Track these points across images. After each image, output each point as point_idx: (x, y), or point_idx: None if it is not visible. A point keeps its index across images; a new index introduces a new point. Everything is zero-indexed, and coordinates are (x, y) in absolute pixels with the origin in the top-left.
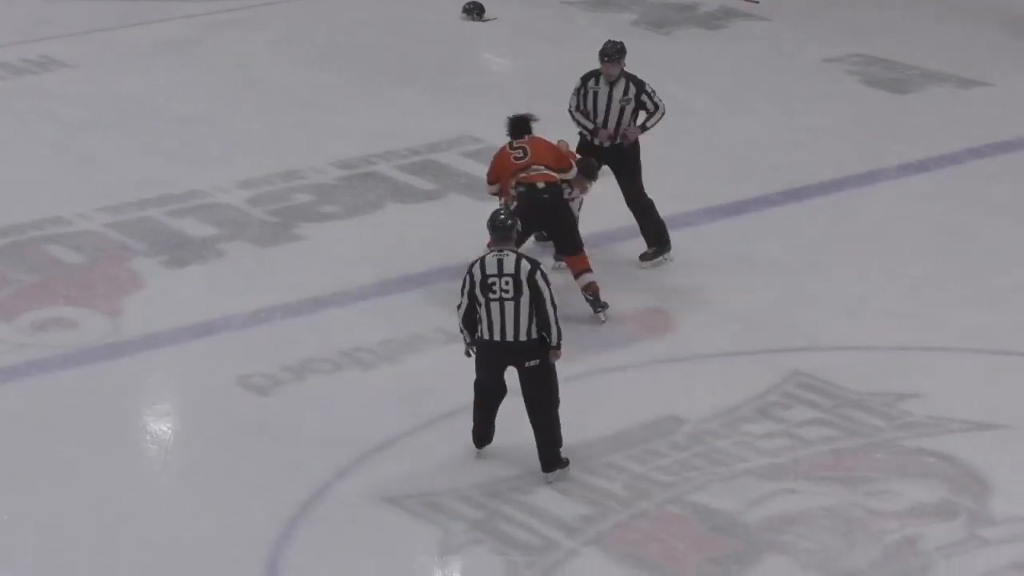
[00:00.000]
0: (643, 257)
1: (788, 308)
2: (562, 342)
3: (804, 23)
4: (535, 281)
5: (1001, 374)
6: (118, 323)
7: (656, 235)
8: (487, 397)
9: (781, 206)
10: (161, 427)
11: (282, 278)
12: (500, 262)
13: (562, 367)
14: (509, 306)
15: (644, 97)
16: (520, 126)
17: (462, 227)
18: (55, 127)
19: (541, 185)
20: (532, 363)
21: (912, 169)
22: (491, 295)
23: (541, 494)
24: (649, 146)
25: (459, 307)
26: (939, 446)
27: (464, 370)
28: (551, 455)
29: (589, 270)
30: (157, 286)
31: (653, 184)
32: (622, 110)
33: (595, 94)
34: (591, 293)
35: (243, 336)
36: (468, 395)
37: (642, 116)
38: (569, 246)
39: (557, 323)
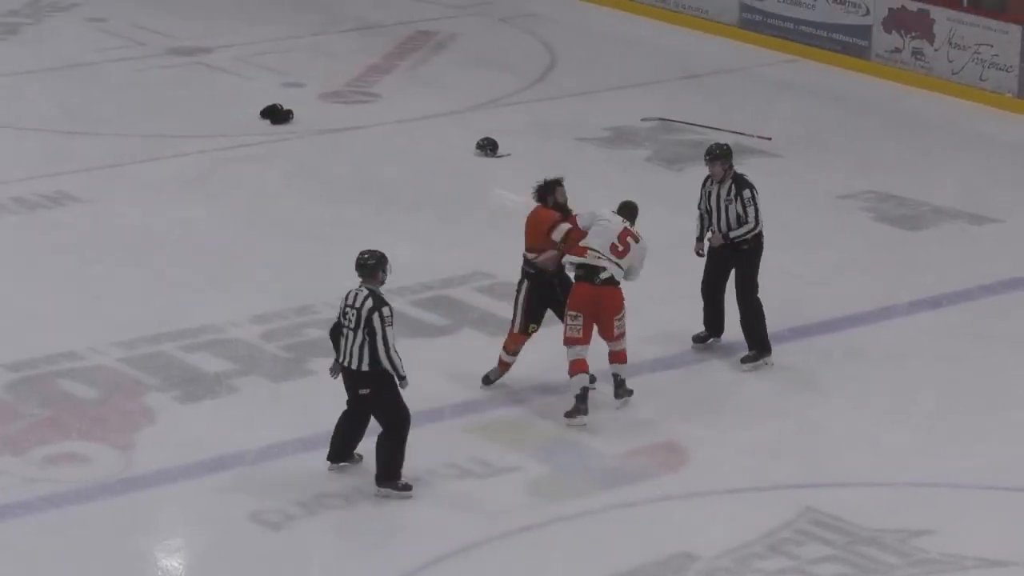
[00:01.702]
0: (744, 360)
1: (800, 444)
2: (405, 375)
3: (816, 159)
4: (371, 319)
5: (1016, 511)
6: (131, 458)
7: (758, 339)
8: (346, 411)
9: (793, 341)
10: (173, 563)
11: (295, 413)
12: (355, 295)
13: (573, 504)
14: (350, 335)
15: (741, 201)
16: (540, 194)
17: (474, 363)
18: (69, 261)
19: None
20: (363, 391)
21: (924, 305)
22: (343, 322)
23: None
24: (659, 277)
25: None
26: None
27: (472, 512)
28: (385, 472)
29: (507, 352)
30: (170, 421)
31: (667, 314)
32: (725, 208)
33: (709, 194)
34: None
35: (256, 471)
36: (480, 537)
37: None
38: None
39: (391, 360)
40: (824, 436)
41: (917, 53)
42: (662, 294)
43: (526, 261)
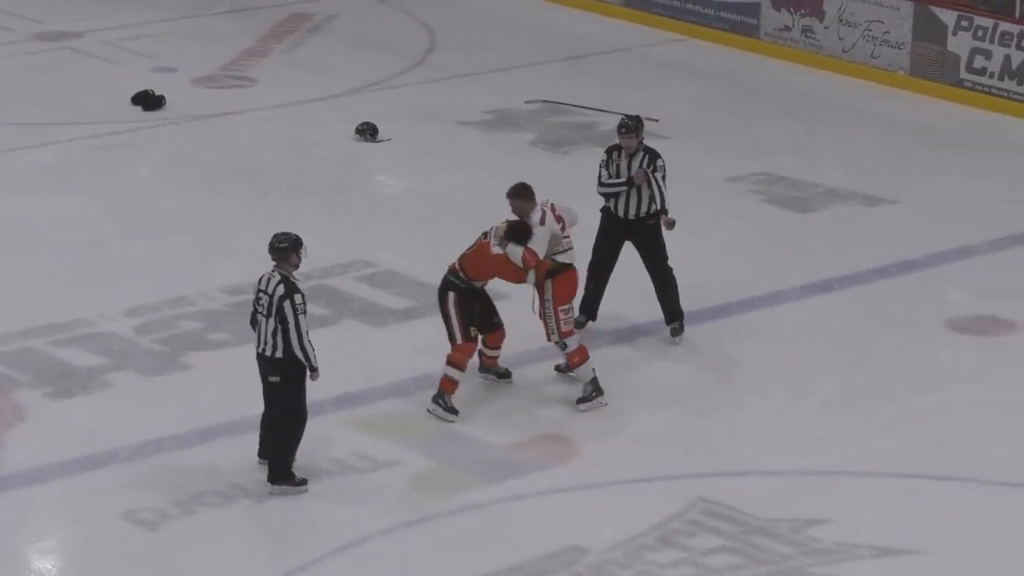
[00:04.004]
0: (674, 332)
1: (691, 432)
2: (317, 367)
3: (706, 141)
4: (282, 307)
5: (910, 498)
6: (0, 457)
7: (674, 311)
8: (265, 405)
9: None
10: (46, 565)
11: (170, 409)
12: (267, 280)
13: (460, 497)
14: (263, 321)
15: (651, 168)
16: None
17: (355, 354)
18: None
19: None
20: (273, 379)
21: (816, 289)
22: (257, 308)
23: None
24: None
25: None
26: (848, 572)
27: (355, 507)
28: (277, 469)
29: (456, 367)
30: (41, 418)
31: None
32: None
33: (618, 166)
34: (441, 387)
35: (130, 469)
36: (364, 533)
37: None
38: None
39: (303, 349)
40: (715, 424)
41: (807, 31)
42: None
43: (456, 275)
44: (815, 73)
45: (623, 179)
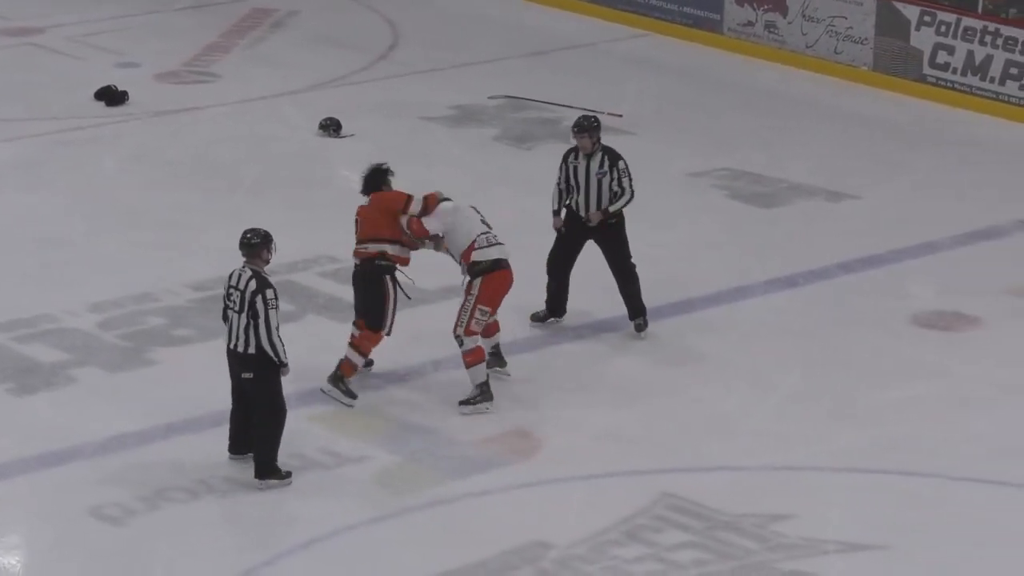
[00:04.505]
0: (639, 327)
1: (656, 428)
2: (287, 362)
3: (669, 136)
4: (255, 302)
5: (875, 493)
6: None
7: (638, 307)
8: (234, 401)
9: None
10: (10, 561)
11: (134, 405)
12: (239, 276)
13: (425, 493)
14: (235, 317)
15: (616, 173)
16: (367, 183)
17: (320, 349)
18: None
19: (357, 262)
20: (246, 376)
21: (779, 284)
22: (228, 304)
23: None
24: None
25: None
26: (814, 568)
27: (321, 502)
28: (263, 465)
29: (364, 355)
30: (3, 414)
31: (516, 296)
32: (599, 183)
33: (575, 168)
34: (340, 371)
35: (95, 465)
36: (329, 529)
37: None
38: (370, 320)
39: (272, 344)
40: (681, 419)
41: (770, 26)
42: None
43: (383, 256)
44: (779, 69)
45: (579, 192)
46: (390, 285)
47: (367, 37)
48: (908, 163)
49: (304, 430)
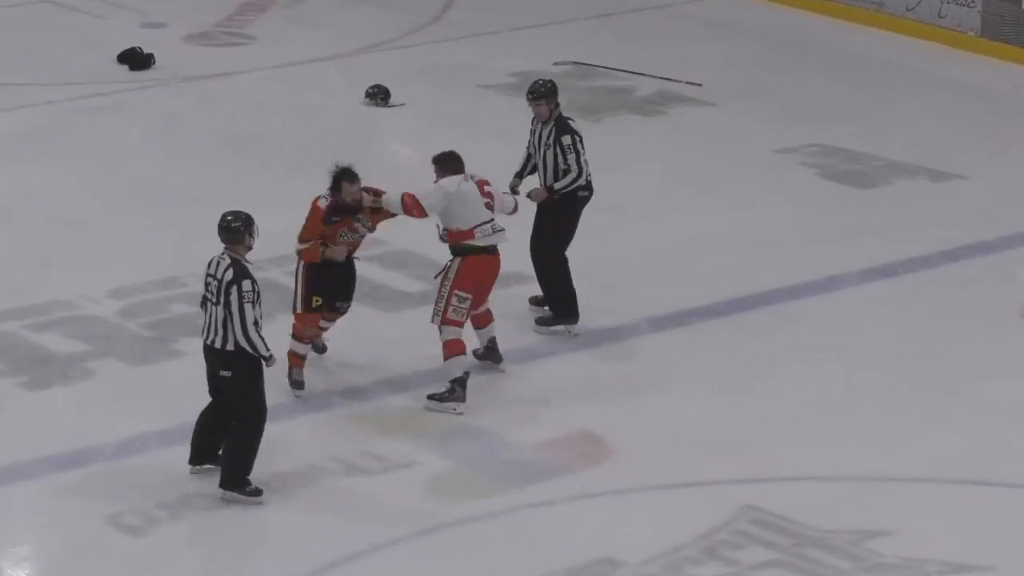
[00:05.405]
0: (539, 321)
1: (737, 433)
2: (270, 353)
3: (754, 108)
4: (229, 292)
5: (982, 507)
6: None
7: (556, 298)
8: (208, 404)
9: (726, 316)
10: (21, 574)
11: (158, 401)
12: (217, 264)
13: (479, 504)
14: (212, 309)
15: (558, 149)
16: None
17: (363, 342)
18: None
19: None
20: (224, 374)
21: (877, 274)
22: (206, 294)
23: None
24: (574, 243)
25: None
26: None
27: (360, 517)
28: (231, 473)
29: (300, 340)
30: (16, 410)
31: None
32: (544, 155)
33: (535, 135)
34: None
35: (114, 468)
36: (371, 543)
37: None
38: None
39: (249, 339)
40: (765, 424)
41: None
42: None
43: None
44: (874, 33)
45: (535, 158)
46: (300, 266)
47: None
48: (1019, 139)
49: (345, 432)
